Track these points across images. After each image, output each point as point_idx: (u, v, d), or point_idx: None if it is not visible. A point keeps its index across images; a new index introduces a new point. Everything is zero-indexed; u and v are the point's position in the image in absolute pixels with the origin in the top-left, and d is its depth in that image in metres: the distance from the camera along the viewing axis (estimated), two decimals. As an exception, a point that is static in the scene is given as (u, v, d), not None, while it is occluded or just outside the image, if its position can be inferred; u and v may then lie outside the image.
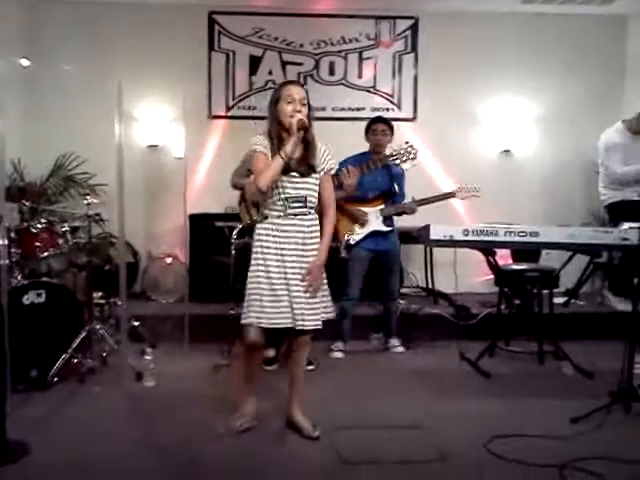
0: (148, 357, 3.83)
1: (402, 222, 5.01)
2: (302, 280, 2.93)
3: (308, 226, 2.97)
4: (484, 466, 2.78)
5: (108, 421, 3.27)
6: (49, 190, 5.51)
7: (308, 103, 2.95)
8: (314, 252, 2.97)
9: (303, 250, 2.95)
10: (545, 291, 4.39)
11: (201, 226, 5.22)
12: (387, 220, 4.57)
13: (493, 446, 2.92)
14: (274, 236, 2.94)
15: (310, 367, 3.71)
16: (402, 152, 4.24)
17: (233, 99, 6.10)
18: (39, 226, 4.01)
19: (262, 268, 2.93)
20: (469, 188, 4.68)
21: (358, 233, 4.51)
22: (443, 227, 3.72)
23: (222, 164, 4.46)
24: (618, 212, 4.85)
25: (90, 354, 3.98)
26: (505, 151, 6.22)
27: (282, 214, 2.94)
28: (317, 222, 3.02)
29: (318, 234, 3.01)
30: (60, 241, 4.10)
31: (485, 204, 5.68)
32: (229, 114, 6.08)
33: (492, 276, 4.73)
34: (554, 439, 3.00)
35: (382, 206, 4.54)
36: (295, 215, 2.94)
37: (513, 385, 3.93)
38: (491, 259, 4.23)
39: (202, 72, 6.02)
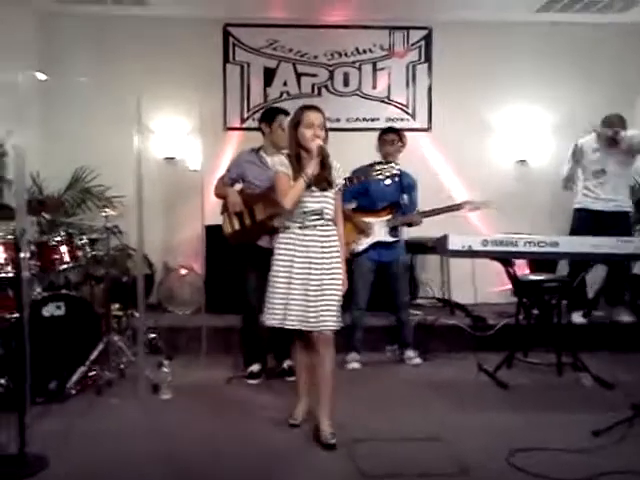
0: (165, 369, 3.83)
1: (418, 233, 5.01)
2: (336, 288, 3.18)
3: (327, 236, 3.19)
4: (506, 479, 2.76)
5: (125, 434, 3.27)
6: (67, 203, 5.56)
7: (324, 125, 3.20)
8: (333, 259, 3.18)
9: (323, 258, 3.16)
10: (564, 301, 4.35)
11: (218, 237, 5.22)
12: (393, 231, 4.57)
13: (514, 459, 2.89)
14: (294, 245, 3.17)
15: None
16: (385, 168, 3.99)
17: (248, 110, 6.12)
18: (58, 239, 4.04)
19: (282, 274, 3.16)
20: (477, 201, 4.68)
21: (361, 243, 4.53)
22: (461, 237, 3.72)
23: (238, 176, 4.51)
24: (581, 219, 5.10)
25: (108, 366, 3.99)
26: (521, 161, 6.19)
27: (302, 225, 3.17)
28: (335, 232, 3.24)
29: (337, 243, 3.24)
30: (79, 254, 4.13)
31: (501, 214, 5.68)
32: (244, 125, 6.11)
33: (509, 286, 4.69)
34: (576, 453, 2.96)
35: (389, 217, 4.55)
36: (315, 226, 3.17)
37: (532, 397, 3.89)
38: (510, 269, 4.19)
39: (217, 84, 6.07)
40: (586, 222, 4.99)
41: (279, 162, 3.22)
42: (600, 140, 4.97)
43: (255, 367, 4.21)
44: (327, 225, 3.19)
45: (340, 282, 3.20)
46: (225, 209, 4.29)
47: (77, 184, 5.68)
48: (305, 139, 3.15)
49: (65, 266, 4.04)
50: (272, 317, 3.18)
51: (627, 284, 5.32)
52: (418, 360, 4.64)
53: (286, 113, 4.21)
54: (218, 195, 4.34)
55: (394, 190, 4.52)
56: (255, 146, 4.34)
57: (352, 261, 4.42)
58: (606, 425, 3.17)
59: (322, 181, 3.17)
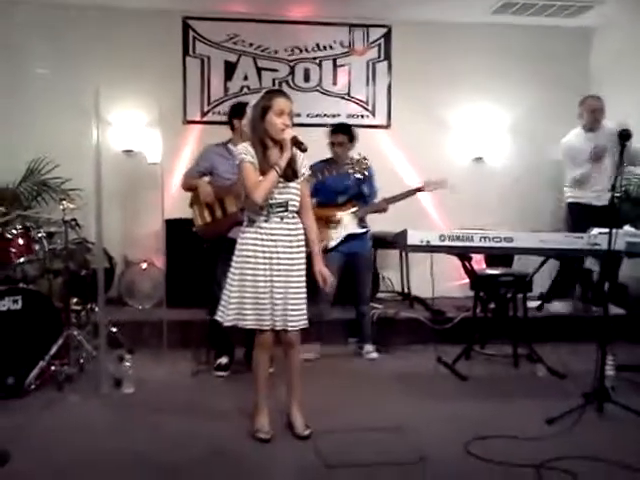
0: (127, 363, 3.80)
1: (378, 227, 5.08)
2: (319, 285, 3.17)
3: (294, 229, 3.08)
4: (464, 467, 2.84)
5: (86, 429, 3.24)
6: (22, 195, 5.43)
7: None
8: (300, 254, 3.09)
9: (291, 252, 3.06)
10: (519, 295, 4.48)
11: (178, 231, 5.19)
12: (361, 222, 4.62)
13: (472, 447, 2.98)
14: (262, 239, 3.03)
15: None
16: (355, 162, 4.18)
17: (208, 104, 6.09)
18: (14, 232, 3.96)
19: (248, 271, 3.01)
20: (436, 181, 4.71)
21: (333, 238, 4.55)
22: (420, 233, 3.80)
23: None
24: (575, 212, 5.23)
25: (68, 361, 3.93)
26: (477, 158, 6.34)
27: (267, 218, 3.03)
28: (300, 225, 3.13)
29: (303, 236, 3.12)
30: (36, 247, 4.06)
31: (458, 210, 5.82)
32: (204, 119, 6.07)
33: (467, 280, 4.81)
34: (530, 440, 3.07)
35: (354, 208, 4.58)
36: (281, 219, 3.04)
37: (489, 388, 4.01)
38: (467, 264, 4.30)
39: (177, 77, 6.00)
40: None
41: (243, 150, 3.03)
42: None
43: (223, 359, 4.22)
44: (293, 217, 3.07)
45: (303, 276, 3.10)
46: (194, 201, 4.26)
47: (32, 176, 5.55)
48: (273, 126, 2.99)
49: (22, 259, 3.97)
50: (231, 315, 3.04)
51: (577, 278, 5.52)
52: (375, 354, 4.67)
53: None
54: (187, 188, 4.31)
55: (353, 182, 4.51)
56: (219, 141, 4.31)
57: (324, 257, 4.47)
58: (559, 413, 3.30)
59: (287, 171, 3.03)
